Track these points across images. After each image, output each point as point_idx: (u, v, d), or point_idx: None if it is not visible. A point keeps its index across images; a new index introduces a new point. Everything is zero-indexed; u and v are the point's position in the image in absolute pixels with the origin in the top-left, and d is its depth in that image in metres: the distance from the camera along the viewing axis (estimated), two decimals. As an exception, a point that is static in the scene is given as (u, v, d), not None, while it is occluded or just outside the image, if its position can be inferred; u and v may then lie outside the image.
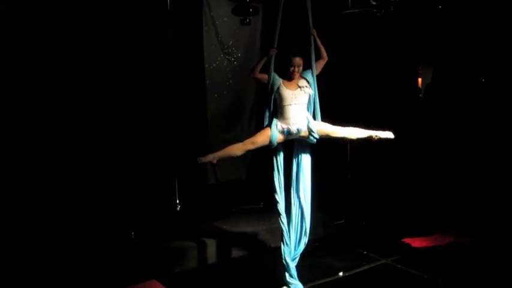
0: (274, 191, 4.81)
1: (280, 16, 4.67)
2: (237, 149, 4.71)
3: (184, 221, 6.32)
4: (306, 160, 4.87)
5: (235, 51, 6.89)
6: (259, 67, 4.68)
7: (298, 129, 4.65)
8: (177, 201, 6.50)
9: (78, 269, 5.04)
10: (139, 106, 6.02)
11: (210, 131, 6.81)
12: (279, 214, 4.83)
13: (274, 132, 4.62)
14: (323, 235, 6.32)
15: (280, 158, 4.82)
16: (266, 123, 4.72)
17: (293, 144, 4.86)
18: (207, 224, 6.35)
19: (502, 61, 6.35)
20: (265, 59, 4.69)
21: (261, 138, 4.66)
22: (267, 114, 4.72)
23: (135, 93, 5.95)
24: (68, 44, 5.53)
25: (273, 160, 4.82)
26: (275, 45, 4.69)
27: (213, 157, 4.65)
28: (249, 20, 6.47)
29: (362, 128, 4.84)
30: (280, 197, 4.82)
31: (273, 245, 5.82)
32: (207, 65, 6.69)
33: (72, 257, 5.15)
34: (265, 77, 4.69)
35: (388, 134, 4.88)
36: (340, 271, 5.39)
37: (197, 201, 6.70)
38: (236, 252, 5.86)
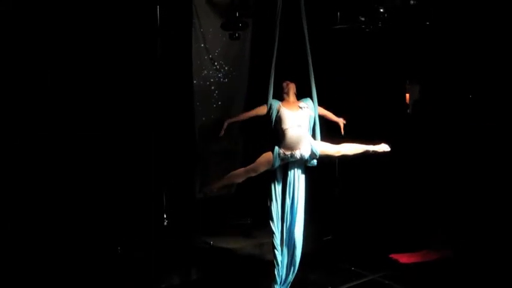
0: (271, 220, 4.70)
1: (277, 38, 4.70)
2: (239, 177, 4.72)
3: (171, 236, 6.26)
4: (301, 183, 4.74)
5: (224, 65, 6.88)
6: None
7: (301, 155, 4.57)
8: (165, 216, 6.45)
9: (64, 284, 4.99)
10: (128, 119, 5.99)
11: (198, 145, 6.78)
12: (274, 247, 4.71)
13: (277, 159, 4.55)
14: (311, 251, 6.29)
15: (279, 186, 4.71)
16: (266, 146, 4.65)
17: (288, 165, 4.75)
18: (194, 239, 6.31)
19: (489, 76, 6.39)
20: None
21: (262, 166, 4.61)
22: (268, 137, 4.66)
23: (124, 105, 5.93)
24: (61, 56, 5.52)
25: (270, 188, 4.70)
26: (273, 66, 4.66)
27: (215, 187, 4.73)
28: (239, 34, 6.49)
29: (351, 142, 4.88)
30: (276, 228, 4.69)
31: (260, 261, 5.78)
32: (195, 81, 6.68)
33: (58, 271, 5.08)
34: (264, 110, 4.67)
35: (384, 147, 4.90)
36: (328, 287, 5.36)
37: (184, 216, 6.66)
38: (223, 268, 5.81)
